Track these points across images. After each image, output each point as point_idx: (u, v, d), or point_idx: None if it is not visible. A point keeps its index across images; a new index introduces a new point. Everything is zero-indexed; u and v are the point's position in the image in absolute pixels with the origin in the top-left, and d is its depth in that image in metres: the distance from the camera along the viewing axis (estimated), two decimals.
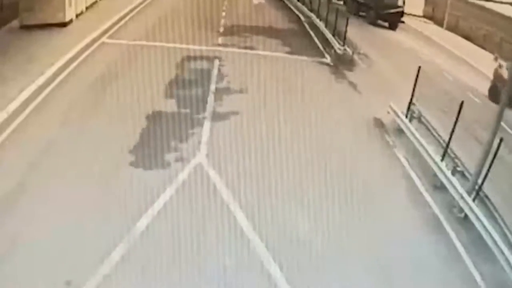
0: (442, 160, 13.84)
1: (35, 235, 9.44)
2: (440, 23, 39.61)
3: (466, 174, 13.38)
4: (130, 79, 17.56)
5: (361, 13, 37.58)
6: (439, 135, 15.39)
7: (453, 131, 13.61)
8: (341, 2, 41.37)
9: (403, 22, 36.99)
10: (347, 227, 11.06)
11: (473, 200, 12.02)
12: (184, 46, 22.35)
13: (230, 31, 27.11)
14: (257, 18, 31.28)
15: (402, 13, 36.63)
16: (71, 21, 22.93)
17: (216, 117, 15.68)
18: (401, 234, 11.37)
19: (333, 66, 23.70)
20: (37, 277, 8.53)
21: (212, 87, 18.20)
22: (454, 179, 12.91)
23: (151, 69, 18.61)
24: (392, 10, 35.79)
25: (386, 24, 36.51)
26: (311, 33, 30.22)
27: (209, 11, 30.49)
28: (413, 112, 16.71)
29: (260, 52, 23.67)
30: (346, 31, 25.58)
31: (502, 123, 12.57)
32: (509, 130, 15.16)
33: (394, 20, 36.33)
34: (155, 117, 14.97)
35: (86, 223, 9.97)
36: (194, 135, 14.30)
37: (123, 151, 12.84)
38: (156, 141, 13.55)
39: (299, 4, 37.74)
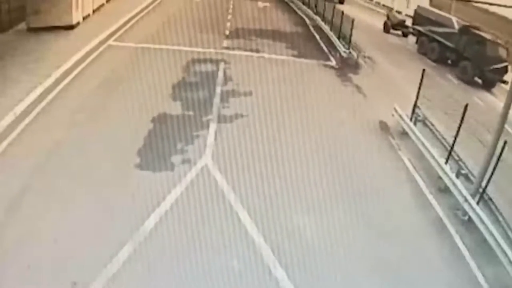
0: (446, 162, 13.88)
1: (41, 236, 9.54)
2: None
3: (470, 176, 13.39)
4: (136, 82, 17.67)
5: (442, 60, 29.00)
6: (443, 138, 15.42)
7: (457, 133, 13.65)
8: (399, 32, 35.97)
9: (505, 82, 25.53)
10: (351, 229, 11.13)
11: (477, 202, 12.05)
12: (190, 48, 22.51)
13: (236, 34, 27.26)
14: (263, 21, 31.43)
15: (506, 70, 26.28)
16: (78, 23, 23.13)
17: (222, 119, 15.76)
18: (405, 236, 11.41)
19: (338, 69, 23.76)
20: (43, 278, 8.62)
21: (218, 89, 18.29)
22: (458, 182, 12.95)
23: (157, 72, 18.71)
24: (496, 66, 25.76)
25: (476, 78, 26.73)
26: (317, 36, 30.29)
27: (215, 14, 30.68)
28: (418, 115, 16.75)
29: (266, 55, 23.77)
30: (351, 35, 25.72)
31: (506, 126, 12.54)
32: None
33: (494, 78, 26.20)
34: (161, 120, 15.05)
35: (92, 225, 10.06)
36: (199, 137, 14.38)
37: (130, 153, 12.94)
38: (162, 143, 13.63)
39: (304, 7, 37.84)
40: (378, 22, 37.57)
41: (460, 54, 27.21)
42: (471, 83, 26.42)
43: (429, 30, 30.27)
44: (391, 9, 39.93)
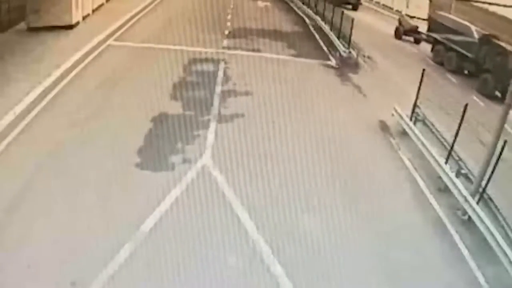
0: (446, 162, 13.87)
1: (41, 236, 9.53)
2: None
3: (470, 176, 13.39)
4: (136, 81, 17.69)
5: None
6: (443, 138, 15.41)
7: (457, 133, 13.65)
8: (411, 39, 34.08)
9: None
10: (351, 229, 11.10)
11: (477, 202, 12.05)
12: (190, 48, 22.49)
13: (236, 33, 27.28)
14: (263, 21, 31.43)
15: None
16: (77, 23, 23.11)
17: (222, 119, 15.75)
18: (405, 236, 11.39)
19: (338, 68, 23.75)
20: (43, 278, 8.61)
21: (218, 89, 18.29)
22: (458, 182, 12.94)
23: (157, 72, 18.70)
24: None
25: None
26: (316, 36, 30.29)
27: (215, 13, 30.64)
28: (418, 114, 16.74)
29: (266, 55, 23.77)
30: (351, 34, 25.72)
31: (506, 126, 12.54)
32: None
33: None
34: (161, 119, 15.04)
35: (92, 224, 10.05)
36: (199, 137, 14.37)
37: (130, 152, 12.92)
38: (162, 143, 13.62)
39: (304, 7, 37.85)
40: (391, 29, 36.00)
41: (480, 66, 25.56)
42: (489, 97, 24.04)
43: (446, 38, 28.44)
44: (402, 14, 38.73)
